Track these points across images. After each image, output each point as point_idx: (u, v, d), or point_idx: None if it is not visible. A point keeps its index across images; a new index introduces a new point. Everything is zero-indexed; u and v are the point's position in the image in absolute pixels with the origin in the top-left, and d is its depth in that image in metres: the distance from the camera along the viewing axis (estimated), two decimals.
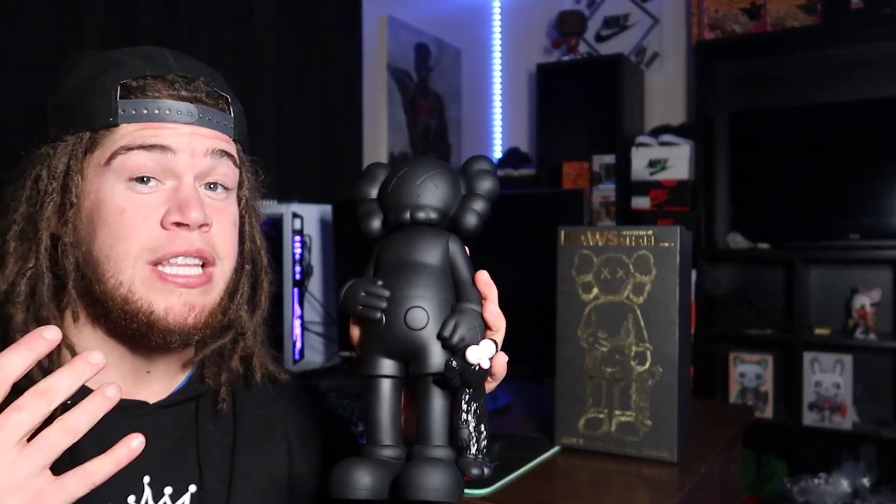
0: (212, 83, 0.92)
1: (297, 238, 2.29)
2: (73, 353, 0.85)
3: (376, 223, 0.85)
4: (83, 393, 0.87)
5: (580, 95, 4.21)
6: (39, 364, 0.81)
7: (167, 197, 0.87)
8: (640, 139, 3.85)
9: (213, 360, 0.97)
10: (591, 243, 1.44)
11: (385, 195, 0.85)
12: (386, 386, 0.80)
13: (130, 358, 0.91)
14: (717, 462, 1.50)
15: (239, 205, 0.97)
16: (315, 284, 2.40)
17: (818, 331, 3.51)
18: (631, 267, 1.41)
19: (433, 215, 0.82)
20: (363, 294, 0.79)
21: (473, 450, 0.76)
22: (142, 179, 0.86)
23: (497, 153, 4.72)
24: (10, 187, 0.90)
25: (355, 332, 0.85)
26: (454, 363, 0.74)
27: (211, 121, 0.90)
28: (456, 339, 0.77)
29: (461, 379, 0.74)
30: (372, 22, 3.88)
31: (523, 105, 4.68)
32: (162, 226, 0.86)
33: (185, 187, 0.87)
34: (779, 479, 3.38)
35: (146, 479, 0.90)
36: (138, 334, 0.86)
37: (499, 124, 4.78)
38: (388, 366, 0.80)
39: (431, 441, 0.78)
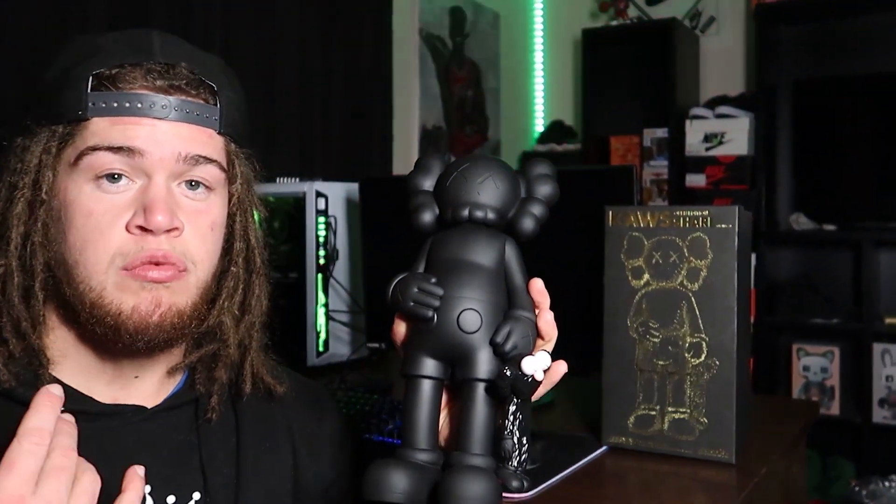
0: (196, 69, 0.90)
1: (321, 219, 2.29)
2: (43, 358, 0.88)
3: (429, 216, 0.89)
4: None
5: (629, 64, 4.19)
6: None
7: (136, 197, 0.86)
8: (695, 111, 3.82)
9: (204, 365, 0.97)
10: (642, 224, 1.42)
11: (442, 189, 0.89)
12: (427, 387, 0.84)
13: (112, 362, 0.92)
14: (778, 463, 1.49)
15: (230, 202, 0.96)
16: (341, 270, 2.39)
17: (889, 320, 3.47)
18: (685, 250, 1.39)
19: (492, 215, 0.86)
20: (416, 290, 0.83)
21: (515, 462, 0.80)
22: (112, 177, 0.86)
23: (539, 126, 4.71)
24: None
25: (400, 329, 0.88)
26: (508, 372, 0.77)
27: (190, 114, 0.89)
28: (509, 346, 0.80)
29: (512, 389, 0.78)
30: None
31: (567, 74, 4.65)
32: (127, 230, 0.85)
33: (153, 188, 0.86)
34: (846, 481, 3.36)
35: (147, 489, 0.89)
36: (106, 338, 0.86)
37: (541, 95, 4.76)
38: (431, 366, 0.84)
39: (471, 449, 0.81)
